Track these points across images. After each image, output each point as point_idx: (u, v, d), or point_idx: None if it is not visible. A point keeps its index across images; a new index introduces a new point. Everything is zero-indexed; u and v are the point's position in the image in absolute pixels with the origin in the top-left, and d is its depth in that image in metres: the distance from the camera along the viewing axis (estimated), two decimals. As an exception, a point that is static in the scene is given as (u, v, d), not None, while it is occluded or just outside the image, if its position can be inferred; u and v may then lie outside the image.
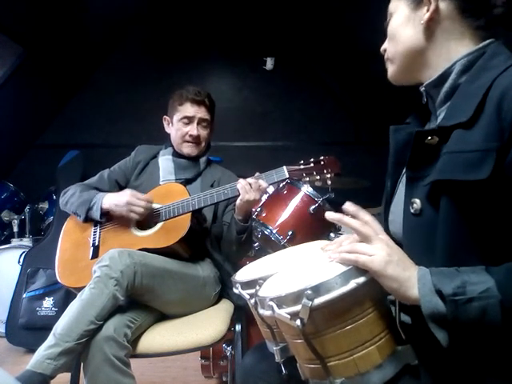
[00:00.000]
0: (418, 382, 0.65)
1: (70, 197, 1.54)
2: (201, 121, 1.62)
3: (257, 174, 1.45)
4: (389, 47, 0.83)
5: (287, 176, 1.41)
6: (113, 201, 1.45)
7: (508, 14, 0.72)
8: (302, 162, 1.44)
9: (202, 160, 1.67)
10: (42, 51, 2.83)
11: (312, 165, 1.43)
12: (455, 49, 0.74)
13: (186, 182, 1.62)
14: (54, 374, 1.09)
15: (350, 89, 3.78)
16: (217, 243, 1.59)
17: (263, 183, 1.39)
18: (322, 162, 1.43)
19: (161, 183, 1.60)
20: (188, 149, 1.63)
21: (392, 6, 0.82)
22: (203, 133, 1.63)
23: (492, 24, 0.73)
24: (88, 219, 1.50)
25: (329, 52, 3.64)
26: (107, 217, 1.51)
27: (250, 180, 1.40)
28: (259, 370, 0.89)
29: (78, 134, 3.59)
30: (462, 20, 0.73)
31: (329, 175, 1.41)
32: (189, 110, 1.60)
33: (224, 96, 3.79)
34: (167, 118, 1.70)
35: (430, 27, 0.75)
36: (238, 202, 1.41)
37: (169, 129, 1.69)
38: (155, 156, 1.70)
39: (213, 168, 1.72)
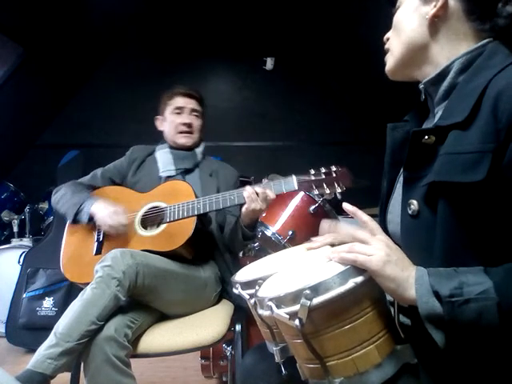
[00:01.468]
0: (418, 381, 0.65)
1: (62, 197, 1.54)
2: (192, 111, 1.69)
3: (265, 180, 1.42)
4: (391, 37, 0.83)
5: (296, 188, 1.35)
6: (98, 212, 1.43)
7: (510, 28, 0.72)
8: (313, 172, 1.37)
9: (199, 151, 1.72)
10: (41, 51, 2.84)
11: (323, 176, 1.36)
12: (457, 48, 0.73)
13: (185, 172, 1.66)
14: (55, 374, 1.09)
15: (350, 89, 3.78)
16: (221, 232, 1.60)
17: (270, 194, 1.35)
18: (334, 175, 1.36)
19: (161, 174, 1.63)
20: (182, 139, 1.67)
21: None
22: (196, 122, 1.69)
23: (496, 31, 0.72)
24: (76, 222, 1.49)
25: (329, 52, 3.64)
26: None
27: (257, 189, 1.35)
28: (259, 370, 0.89)
29: (77, 134, 3.60)
30: (467, 21, 0.73)
31: (339, 189, 1.35)
32: (179, 101, 1.68)
33: (224, 96, 3.80)
34: (159, 117, 1.75)
35: (435, 24, 0.74)
36: (243, 209, 1.39)
37: (162, 126, 1.74)
38: (151, 153, 1.73)
39: (209, 160, 1.76)
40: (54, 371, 1.08)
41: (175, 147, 1.70)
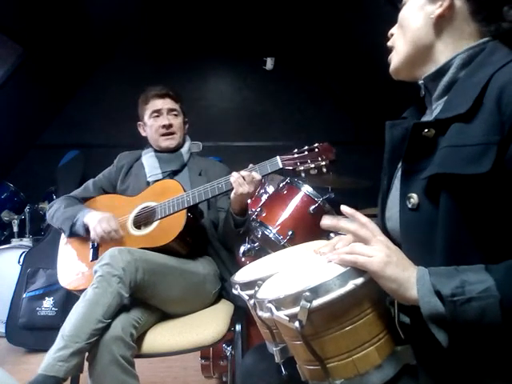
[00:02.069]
0: (418, 382, 0.65)
1: (55, 211, 1.55)
2: (169, 111, 1.67)
3: (250, 165, 1.44)
4: (397, 34, 0.82)
5: (281, 166, 1.39)
6: (91, 220, 1.44)
7: None
8: (296, 150, 1.42)
9: (184, 151, 1.70)
10: (41, 51, 2.84)
11: (306, 153, 1.41)
12: (460, 47, 0.73)
13: (173, 174, 1.65)
14: (67, 376, 1.09)
15: (349, 89, 3.78)
16: (215, 230, 1.60)
17: (256, 175, 1.39)
18: (317, 150, 1.41)
19: (148, 179, 1.63)
20: (165, 142, 1.67)
21: None
22: (175, 122, 1.68)
23: (500, 34, 0.72)
24: (73, 235, 1.50)
25: (329, 52, 3.64)
26: None
27: (243, 173, 1.39)
28: (259, 370, 0.89)
29: (78, 134, 3.59)
30: (472, 22, 0.73)
31: (323, 163, 1.38)
32: (155, 104, 1.67)
33: (224, 96, 3.79)
34: (140, 123, 1.75)
35: (440, 23, 0.74)
36: (232, 195, 1.41)
37: (145, 132, 1.74)
38: (138, 159, 1.73)
39: (197, 159, 1.75)
40: (66, 373, 1.07)
41: (160, 150, 1.69)
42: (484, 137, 0.61)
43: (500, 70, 0.64)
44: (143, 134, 1.75)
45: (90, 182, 1.68)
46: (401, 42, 0.80)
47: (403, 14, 0.81)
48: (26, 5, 2.46)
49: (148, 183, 1.62)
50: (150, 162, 1.67)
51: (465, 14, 0.73)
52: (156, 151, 1.70)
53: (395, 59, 0.82)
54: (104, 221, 1.41)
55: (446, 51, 0.75)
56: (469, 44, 0.73)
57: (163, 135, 1.66)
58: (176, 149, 1.69)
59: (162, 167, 1.64)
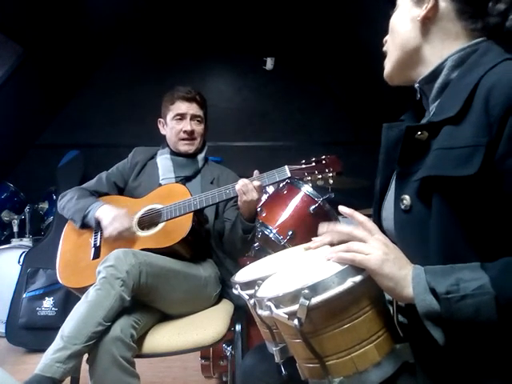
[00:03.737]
0: (417, 380, 0.65)
1: (67, 202, 1.55)
2: (193, 117, 1.65)
3: (255, 171, 1.45)
4: (388, 40, 0.84)
5: (289, 175, 1.41)
6: (104, 216, 1.44)
7: (502, 26, 0.72)
8: (304, 161, 1.44)
9: (200, 157, 1.70)
10: (41, 51, 2.84)
11: (314, 164, 1.43)
12: (449, 48, 0.74)
13: (186, 180, 1.64)
14: (63, 378, 1.08)
15: (350, 89, 3.78)
16: (219, 240, 1.60)
17: (257, 183, 1.40)
18: (324, 162, 1.43)
19: (161, 182, 1.62)
20: (184, 147, 1.66)
21: None
22: (197, 128, 1.66)
23: (488, 30, 0.73)
24: (84, 226, 1.50)
25: (329, 52, 3.64)
26: None
27: (245, 181, 1.40)
28: (259, 370, 0.89)
29: (78, 134, 3.59)
30: (459, 21, 0.73)
31: (330, 174, 1.42)
32: (180, 107, 1.64)
33: (224, 96, 3.79)
34: (161, 120, 1.73)
35: (426, 25, 0.75)
36: (239, 203, 1.42)
37: (164, 130, 1.72)
38: (153, 157, 1.72)
39: (211, 166, 1.74)
40: (62, 375, 1.07)
41: (176, 153, 1.68)
42: (472, 138, 0.61)
43: (489, 71, 0.64)
44: (162, 132, 1.73)
45: (103, 175, 1.67)
46: (391, 48, 0.82)
47: (393, 20, 0.82)
48: (26, 5, 2.46)
49: (160, 185, 1.61)
50: (164, 165, 1.65)
51: (450, 14, 0.74)
52: (172, 153, 1.69)
53: (387, 66, 0.84)
54: (117, 220, 1.41)
55: (435, 52, 0.75)
56: (458, 44, 0.73)
57: (183, 139, 1.65)
58: (193, 154, 1.68)
59: (176, 171, 1.63)
